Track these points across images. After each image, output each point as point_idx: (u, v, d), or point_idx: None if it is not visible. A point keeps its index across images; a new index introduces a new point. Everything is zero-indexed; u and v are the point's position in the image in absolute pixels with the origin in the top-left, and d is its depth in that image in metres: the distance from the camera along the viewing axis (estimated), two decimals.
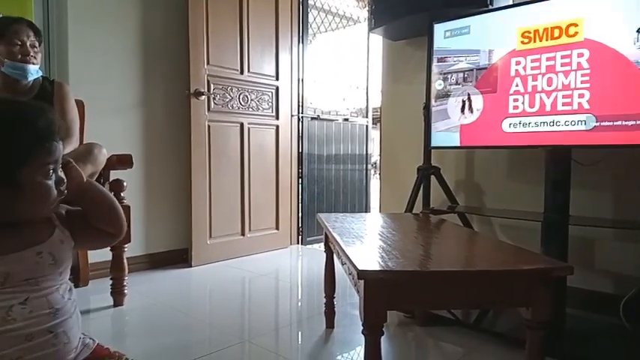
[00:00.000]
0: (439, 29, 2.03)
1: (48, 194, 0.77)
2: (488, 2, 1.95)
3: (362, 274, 0.96)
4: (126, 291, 2.07)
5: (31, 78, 1.92)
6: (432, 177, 2.20)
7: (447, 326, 1.80)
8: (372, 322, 0.97)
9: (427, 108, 2.13)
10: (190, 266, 2.75)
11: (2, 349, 0.70)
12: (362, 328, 0.99)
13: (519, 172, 2.19)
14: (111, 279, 2.05)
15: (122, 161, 2.02)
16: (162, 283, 2.46)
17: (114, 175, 2.07)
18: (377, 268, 0.98)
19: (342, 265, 1.30)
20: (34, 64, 1.92)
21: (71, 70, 2.40)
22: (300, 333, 1.82)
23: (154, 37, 2.72)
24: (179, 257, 2.81)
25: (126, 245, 2.04)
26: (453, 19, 1.97)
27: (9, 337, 0.70)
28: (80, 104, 2.20)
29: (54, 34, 2.45)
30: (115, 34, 2.55)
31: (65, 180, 0.81)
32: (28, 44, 1.89)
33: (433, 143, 2.10)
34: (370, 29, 2.48)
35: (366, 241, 1.35)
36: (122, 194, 1.99)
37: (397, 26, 2.34)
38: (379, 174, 2.87)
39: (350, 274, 1.16)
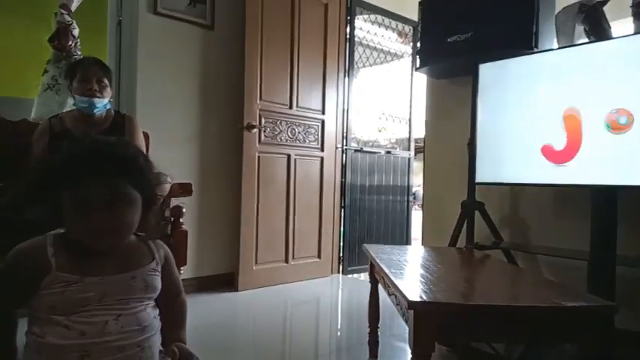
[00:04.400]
0: (484, 69, 2.11)
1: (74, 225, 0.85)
2: (533, 45, 2.01)
3: (412, 305, 1.03)
4: None
5: (97, 110, 2.11)
6: (476, 212, 2.23)
7: None
8: (421, 351, 1.03)
9: (472, 144, 2.19)
10: (237, 290, 2.86)
11: (100, 357, 0.81)
12: (410, 358, 1.05)
13: (566, 208, 2.20)
14: None
15: (183, 190, 2.18)
16: (211, 305, 2.58)
17: (174, 202, 2.22)
18: (426, 299, 1.05)
19: (390, 295, 1.36)
20: (99, 97, 2.11)
21: (138, 104, 2.63)
22: None
23: (212, 73, 2.94)
24: (226, 281, 2.93)
25: (182, 268, 2.17)
26: (497, 60, 2.04)
27: (105, 347, 0.81)
28: (146, 136, 2.40)
29: (125, 71, 2.70)
30: (178, 70, 2.79)
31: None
32: (94, 80, 2.09)
33: (478, 179, 2.15)
34: (415, 69, 2.59)
35: (413, 273, 1.41)
36: (181, 220, 2.14)
37: (441, 67, 2.43)
38: (422, 207, 2.92)
39: (398, 304, 1.22)
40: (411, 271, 1.44)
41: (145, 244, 0.96)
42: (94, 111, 2.09)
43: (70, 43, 2.33)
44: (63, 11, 2.33)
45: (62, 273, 0.82)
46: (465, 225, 2.22)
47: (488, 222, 2.24)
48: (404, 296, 1.06)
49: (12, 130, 2.15)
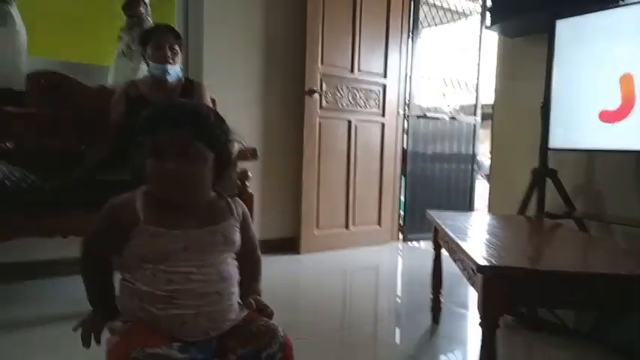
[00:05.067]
0: (561, 25, 1.96)
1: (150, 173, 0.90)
2: None
3: (480, 269, 1.01)
4: None
5: (169, 77, 2.18)
6: (548, 180, 2.12)
7: (556, 333, 1.75)
8: (490, 316, 1.01)
9: (545, 107, 2.06)
10: (299, 254, 2.95)
11: (186, 301, 0.87)
12: (472, 323, 1.04)
13: None
14: None
15: (249, 154, 2.24)
16: (274, 267, 2.67)
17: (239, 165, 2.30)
18: (495, 263, 1.02)
19: (455, 261, 1.35)
20: (172, 64, 2.18)
21: (205, 69, 2.70)
22: (405, 326, 1.89)
23: (274, 38, 2.95)
24: (289, 245, 3.01)
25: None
26: (578, 15, 1.89)
27: (190, 294, 0.88)
28: (213, 101, 2.47)
29: (192, 36, 2.77)
30: (242, 34, 2.82)
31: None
32: (167, 47, 2.16)
33: (551, 144, 2.03)
34: (485, 26, 2.44)
35: (481, 239, 1.38)
36: (247, 183, 2.21)
37: (515, 23, 2.28)
38: (489, 174, 2.82)
39: (464, 269, 1.20)
40: (477, 237, 1.40)
41: (224, 201, 1.01)
42: (168, 77, 2.16)
43: (141, 9, 2.41)
44: None
45: (149, 225, 0.89)
46: (535, 193, 2.12)
47: (560, 190, 2.12)
48: (472, 260, 1.04)
49: (91, 95, 2.29)
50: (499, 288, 1.01)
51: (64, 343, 1.44)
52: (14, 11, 2.06)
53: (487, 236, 1.41)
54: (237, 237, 0.99)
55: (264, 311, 1.00)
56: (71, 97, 2.24)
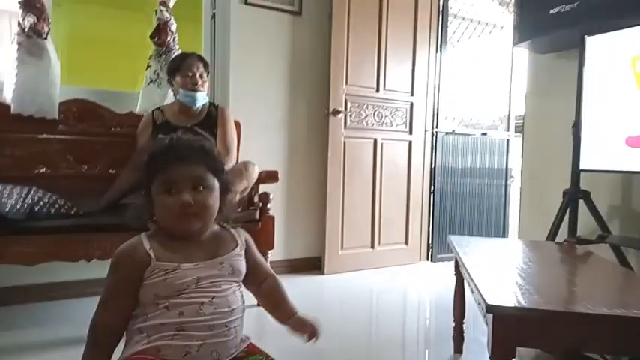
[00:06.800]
0: (591, 42, 1.87)
1: (164, 209, 0.93)
2: None
3: (490, 308, 0.96)
4: None
5: (198, 104, 2.25)
6: (581, 202, 2.02)
7: None
8: (500, 358, 0.96)
9: (576, 127, 1.97)
10: (323, 274, 2.92)
11: (194, 332, 0.89)
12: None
13: None
14: None
15: (270, 177, 2.27)
16: (298, 287, 2.66)
17: (261, 188, 2.32)
18: (507, 303, 0.97)
19: (472, 293, 1.29)
20: (201, 91, 2.24)
21: (231, 94, 2.75)
22: (426, 354, 1.83)
23: (299, 61, 2.97)
24: (313, 264, 3.00)
25: (270, 251, 2.27)
26: (607, 32, 1.80)
27: (199, 325, 0.90)
28: (237, 124, 2.51)
29: (219, 62, 2.84)
30: (267, 58, 2.86)
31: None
32: (197, 75, 2.22)
33: (583, 165, 1.94)
34: (514, 43, 2.37)
35: (499, 271, 1.32)
36: (268, 206, 2.22)
37: (544, 40, 2.20)
38: (519, 195, 2.71)
39: (479, 304, 1.15)
40: (496, 268, 1.35)
41: (227, 232, 1.04)
42: (197, 104, 2.23)
43: (169, 38, 2.49)
44: (162, 8, 2.49)
45: (161, 262, 0.91)
46: (566, 216, 2.02)
47: (594, 213, 2.01)
48: (483, 298, 1.00)
49: (120, 121, 2.38)
50: (510, 329, 0.96)
51: None
52: (50, 46, 2.18)
53: (508, 267, 1.35)
54: (243, 266, 1.02)
55: (313, 329, 1.03)
56: (101, 123, 2.34)
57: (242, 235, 1.06)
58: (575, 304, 1.02)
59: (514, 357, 0.97)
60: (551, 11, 2.03)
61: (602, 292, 1.23)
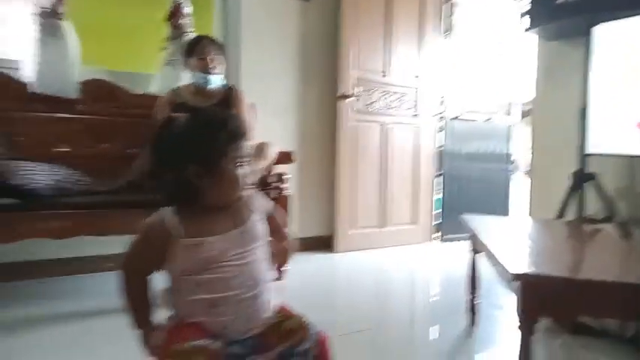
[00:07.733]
0: (599, 30, 1.92)
1: (238, 181, 0.98)
2: None
3: (517, 277, 1.03)
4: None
5: (212, 85, 2.28)
6: (588, 184, 2.08)
7: (597, 338, 1.73)
8: (528, 321, 1.03)
9: (583, 112, 2.03)
10: (333, 252, 3.00)
11: (226, 308, 0.94)
12: (508, 325, 1.06)
13: None
14: None
15: (285, 157, 2.32)
16: (310, 264, 2.74)
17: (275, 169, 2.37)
18: (531, 271, 1.04)
19: (493, 266, 1.36)
20: (215, 73, 2.27)
21: (242, 77, 2.78)
22: (441, 326, 1.91)
23: (309, 44, 3.01)
24: (324, 243, 3.07)
25: (284, 230, 2.32)
26: (617, 19, 1.85)
27: (229, 300, 0.94)
28: (252, 106, 2.54)
29: (231, 46, 2.86)
30: (277, 43, 2.89)
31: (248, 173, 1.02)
32: (209, 58, 2.25)
33: (590, 149, 2.00)
34: (525, 29, 2.41)
35: (517, 245, 1.39)
36: (283, 185, 2.28)
37: (554, 27, 2.25)
38: (530, 176, 2.78)
39: (501, 275, 1.22)
40: (514, 243, 1.41)
41: (242, 201, 1.04)
42: (210, 85, 2.26)
43: (182, 21, 2.52)
44: None
45: (186, 238, 0.94)
46: (574, 197, 2.09)
47: (601, 194, 2.08)
48: (506, 269, 1.06)
49: (137, 102, 2.41)
50: (537, 296, 1.03)
51: (90, 340, 1.54)
52: (67, 25, 2.19)
53: (523, 241, 1.42)
54: (262, 228, 1.04)
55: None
56: (118, 103, 2.37)
57: (255, 200, 1.06)
58: (592, 273, 1.09)
59: (538, 319, 1.04)
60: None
61: (617, 264, 1.31)
